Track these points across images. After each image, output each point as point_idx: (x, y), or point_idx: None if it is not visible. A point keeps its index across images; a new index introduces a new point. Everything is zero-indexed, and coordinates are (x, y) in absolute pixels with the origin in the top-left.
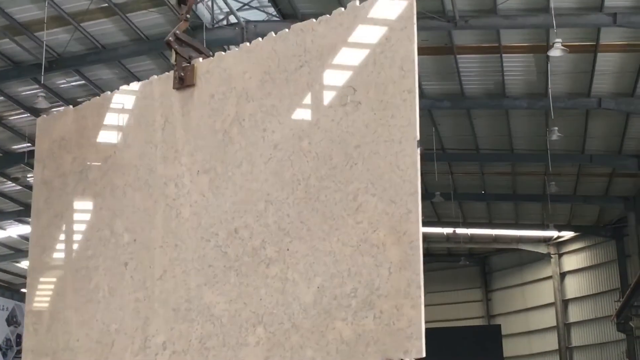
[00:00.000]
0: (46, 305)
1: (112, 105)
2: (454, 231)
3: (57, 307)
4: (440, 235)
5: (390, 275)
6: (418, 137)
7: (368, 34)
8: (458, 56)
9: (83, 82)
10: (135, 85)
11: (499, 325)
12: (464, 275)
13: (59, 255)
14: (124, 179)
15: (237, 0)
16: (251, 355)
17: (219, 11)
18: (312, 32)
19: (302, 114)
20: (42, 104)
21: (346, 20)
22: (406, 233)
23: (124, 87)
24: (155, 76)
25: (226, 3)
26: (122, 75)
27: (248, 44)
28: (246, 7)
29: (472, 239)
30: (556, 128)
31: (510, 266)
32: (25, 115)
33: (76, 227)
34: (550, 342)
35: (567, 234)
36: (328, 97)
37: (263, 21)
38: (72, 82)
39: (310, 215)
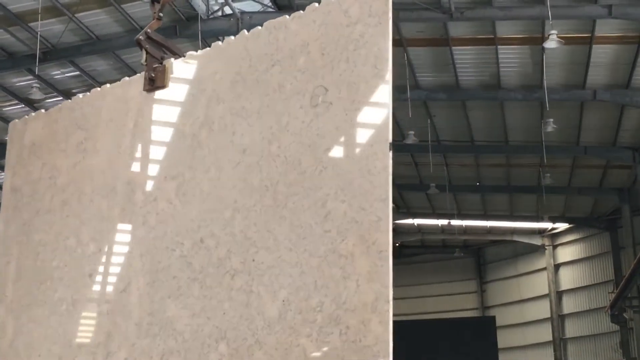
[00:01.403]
0: (9, 318)
1: (83, 109)
2: (449, 223)
3: (21, 320)
4: (435, 226)
5: (357, 288)
6: (390, 140)
7: (341, 30)
8: (453, 48)
9: (78, 73)
10: (106, 87)
11: (494, 317)
12: (459, 266)
13: (25, 265)
14: (91, 186)
15: None
16: None
17: (213, 2)
18: (284, 30)
19: (272, 116)
20: (36, 94)
21: (319, 17)
22: (375, 242)
23: (95, 90)
24: (127, 77)
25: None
26: (117, 66)
27: (220, 42)
28: None
29: (466, 230)
30: (551, 120)
31: (505, 258)
32: (20, 106)
33: (43, 235)
34: (545, 333)
35: (562, 226)
36: (299, 97)
37: (258, 12)
38: (67, 73)
39: (278, 223)
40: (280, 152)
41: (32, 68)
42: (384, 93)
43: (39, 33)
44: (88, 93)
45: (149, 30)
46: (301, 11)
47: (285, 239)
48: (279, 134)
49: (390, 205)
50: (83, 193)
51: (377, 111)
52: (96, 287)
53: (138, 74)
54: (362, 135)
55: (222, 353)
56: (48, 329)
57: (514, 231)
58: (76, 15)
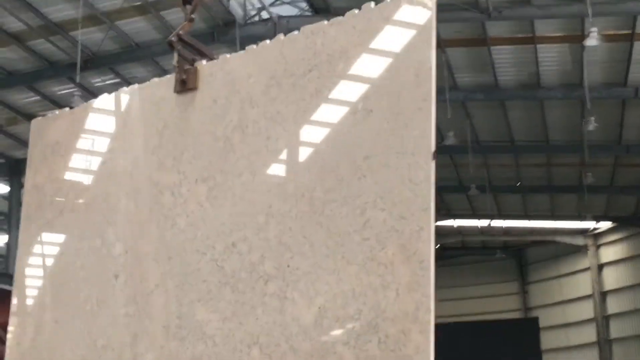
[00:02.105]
0: (31, 318)
1: (109, 109)
2: (489, 224)
3: (43, 320)
4: (475, 228)
5: (397, 297)
6: (433, 149)
7: (383, 38)
8: (492, 47)
9: (118, 80)
10: (134, 88)
11: (537, 318)
12: (500, 268)
13: (47, 265)
14: (117, 187)
15: None
16: None
17: (251, 7)
18: (322, 35)
19: (309, 122)
20: (78, 103)
21: (359, 23)
22: (417, 252)
23: (123, 89)
24: (156, 79)
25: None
26: (156, 73)
27: (255, 46)
28: (278, 2)
29: (507, 231)
30: (592, 118)
31: (547, 258)
32: None
33: (67, 236)
34: (589, 334)
35: (604, 225)
36: (337, 104)
37: (295, 16)
38: (107, 80)
39: (314, 230)
40: (317, 158)
41: (73, 76)
42: (426, 103)
43: (79, 41)
44: (114, 92)
45: (181, 32)
46: (340, 17)
47: (322, 246)
48: (317, 140)
49: (433, 215)
50: (109, 194)
51: (419, 120)
52: (122, 289)
53: (168, 75)
54: (403, 144)
55: (254, 358)
56: (71, 330)
57: (556, 231)
58: (116, 23)
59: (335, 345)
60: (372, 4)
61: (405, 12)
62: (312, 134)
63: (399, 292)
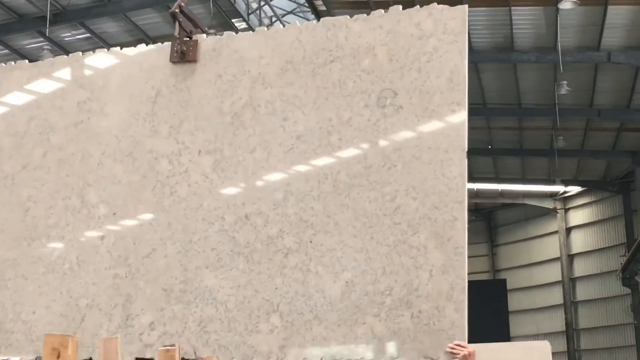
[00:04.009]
0: None
1: (84, 68)
2: None
3: (6, 275)
4: None
5: (431, 278)
6: (466, 149)
7: (412, 41)
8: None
9: (88, 35)
10: (117, 51)
11: (504, 280)
12: (470, 230)
13: (10, 220)
14: (100, 148)
15: (280, 8)
16: (263, 342)
17: (263, 15)
18: (345, 29)
19: (332, 109)
20: (47, 57)
21: (387, 23)
22: (451, 239)
23: (101, 51)
24: (145, 45)
25: (272, 9)
26: (127, 28)
27: (265, 28)
28: (289, 13)
29: (478, 193)
30: (565, 82)
31: (516, 221)
32: None
33: (33, 192)
34: (555, 296)
35: (574, 189)
36: (363, 96)
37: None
38: (78, 35)
39: (339, 210)
40: (341, 144)
41: (42, 30)
42: (460, 106)
43: None
44: (91, 52)
45: (182, 3)
46: (363, 14)
47: (349, 226)
48: (340, 127)
49: (466, 207)
50: (88, 154)
51: (452, 121)
52: (110, 250)
53: (158, 44)
54: (436, 141)
55: (274, 324)
56: (44, 286)
57: (526, 194)
58: None
59: (365, 317)
60: (400, 7)
61: (438, 22)
62: (334, 121)
63: (432, 273)
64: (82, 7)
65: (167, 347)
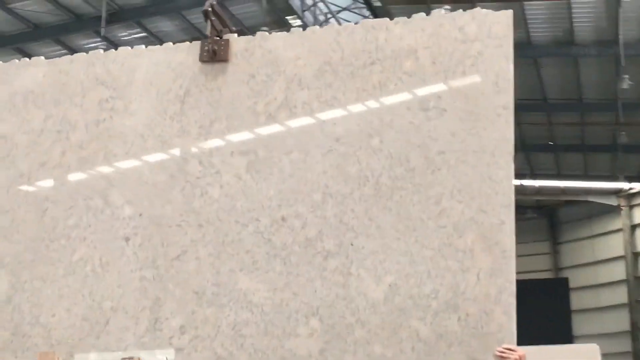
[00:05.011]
0: (3, 273)
1: (107, 66)
2: (521, 183)
3: (22, 277)
4: None
5: (478, 281)
6: (513, 153)
7: (455, 44)
8: (524, 3)
9: (144, 34)
10: (141, 49)
11: (567, 278)
12: (531, 227)
13: (26, 220)
14: (124, 147)
15: (335, 4)
16: (302, 346)
17: (318, 11)
18: (386, 31)
19: (372, 112)
20: None
21: (430, 27)
22: (498, 243)
23: (124, 49)
24: (170, 43)
25: (327, 6)
26: (183, 27)
27: (301, 29)
28: (344, 9)
29: (539, 191)
30: (627, 76)
31: (579, 218)
32: None
33: (52, 192)
34: (620, 295)
35: (638, 186)
36: (405, 98)
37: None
38: (134, 34)
39: (381, 213)
40: (383, 147)
41: (98, 30)
42: (507, 110)
43: None
44: (113, 50)
45: (213, 1)
46: (404, 17)
47: (392, 229)
48: (381, 130)
49: (513, 211)
50: (112, 153)
51: (499, 125)
52: (136, 251)
53: (186, 43)
54: (482, 144)
55: (314, 328)
56: (64, 289)
57: (589, 191)
58: None
59: (410, 320)
60: (442, 11)
61: (482, 26)
62: (374, 124)
63: (479, 277)
64: (137, 6)
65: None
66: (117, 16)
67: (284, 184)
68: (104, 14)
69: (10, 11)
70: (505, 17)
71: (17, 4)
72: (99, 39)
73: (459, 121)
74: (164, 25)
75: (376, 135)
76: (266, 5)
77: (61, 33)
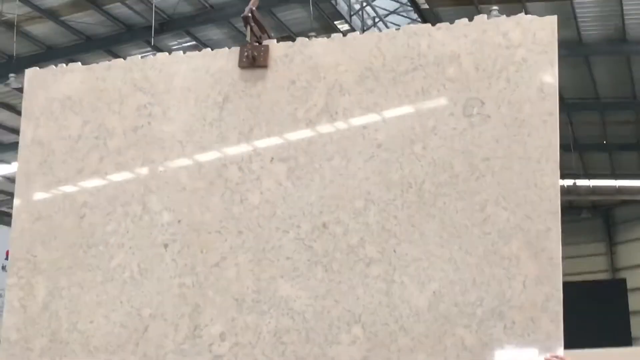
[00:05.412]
0: (41, 279)
1: (145, 72)
2: (575, 183)
3: (60, 284)
4: (561, 188)
5: (524, 289)
6: (558, 160)
7: (499, 50)
8: (575, 1)
9: (194, 42)
10: (180, 55)
11: (624, 279)
12: (587, 228)
13: (64, 226)
14: (162, 154)
15: (383, 8)
16: (344, 354)
17: (366, 15)
18: (428, 37)
19: (415, 118)
20: None
21: (473, 33)
22: (545, 250)
23: (162, 55)
24: (209, 49)
25: (374, 10)
26: (232, 34)
27: (342, 35)
28: (392, 13)
29: (594, 190)
30: None
31: (636, 218)
32: None
33: (89, 197)
34: None
35: None
36: (448, 105)
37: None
38: (183, 43)
39: (424, 220)
40: (425, 153)
41: (149, 40)
42: (552, 117)
43: (153, 4)
44: (151, 56)
45: (253, 7)
46: (446, 23)
47: (435, 236)
48: (424, 136)
49: (560, 218)
50: (150, 160)
51: (544, 132)
52: (175, 258)
53: (225, 49)
54: (527, 151)
55: (356, 335)
56: (102, 295)
57: None
58: None
59: (455, 328)
60: (485, 16)
61: (526, 32)
62: (417, 130)
63: (525, 284)
64: (187, 15)
65: None
66: (167, 26)
67: (325, 190)
68: (153, 24)
69: (63, 23)
70: (550, 23)
71: (69, 16)
72: (149, 49)
73: (504, 127)
74: (213, 33)
75: (419, 142)
76: (314, 10)
77: (112, 44)
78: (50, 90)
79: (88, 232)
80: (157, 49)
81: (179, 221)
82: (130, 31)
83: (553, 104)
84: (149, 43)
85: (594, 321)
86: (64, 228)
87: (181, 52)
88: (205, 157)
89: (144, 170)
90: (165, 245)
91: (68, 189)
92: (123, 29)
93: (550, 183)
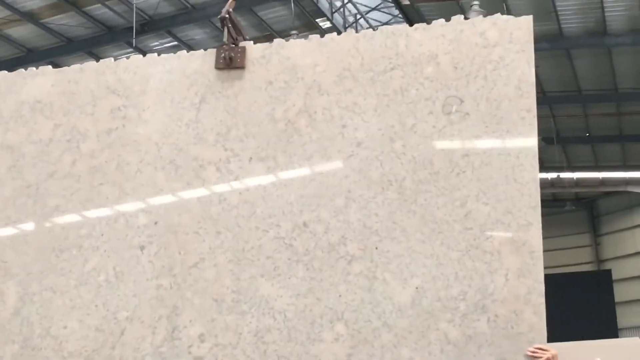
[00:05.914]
0: (11, 285)
1: (118, 74)
2: (558, 176)
3: (31, 288)
4: (544, 180)
5: (507, 282)
6: (537, 155)
7: (476, 50)
8: None
9: (175, 43)
10: (154, 57)
11: (610, 270)
12: (571, 220)
13: (35, 231)
14: (138, 156)
15: (364, 5)
16: (327, 351)
17: (347, 12)
18: (406, 37)
19: (394, 116)
20: None
21: (449, 32)
22: (526, 244)
23: (136, 57)
24: (184, 52)
25: (355, 7)
26: (214, 34)
27: (319, 36)
28: (373, 9)
29: (577, 183)
30: None
31: (620, 209)
32: None
33: (62, 201)
34: None
35: None
36: (427, 103)
37: (389, 23)
38: (165, 43)
39: (405, 216)
40: (405, 151)
41: (130, 41)
42: (530, 113)
43: (134, 5)
44: (125, 58)
45: (230, 9)
46: (424, 24)
47: (417, 232)
48: (404, 134)
49: (540, 212)
50: (125, 162)
51: (522, 128)
52: (152, 260)
53: (200, 51)
54: (506, 147)
55: (339, 333)
56: (76, 300)
57: (628, 182)
58: None
59: (438, 323)
60: (462, 17)
61: (503, 32)
62: (396, 128)
63: (508, 278)
64: (168, 15)
65: None
66: (148, 26)
67: (305, 189)
68: (134, 25)
69: (43, 26)
70: (526, 23)
71: (49, 18)
72: (131, 50)
73: (483, 124)
74: (195, 33)
75: (398, 140)
76: (295, 8)
77: (94, 46)
78: (21, 94)
79: (61, 236)
80: (139, 49)
81: (156, 223)
82: (112, 32)
83: (531, 101)
84: (130, 44)
85: (580, 313)
86: (35, 232)
87: (156, 54)
88: (182, 158)
89: (118, 173)
90: (142, 247)
91: (39, 192)
92: (104, 30)
93: (529, 178)
